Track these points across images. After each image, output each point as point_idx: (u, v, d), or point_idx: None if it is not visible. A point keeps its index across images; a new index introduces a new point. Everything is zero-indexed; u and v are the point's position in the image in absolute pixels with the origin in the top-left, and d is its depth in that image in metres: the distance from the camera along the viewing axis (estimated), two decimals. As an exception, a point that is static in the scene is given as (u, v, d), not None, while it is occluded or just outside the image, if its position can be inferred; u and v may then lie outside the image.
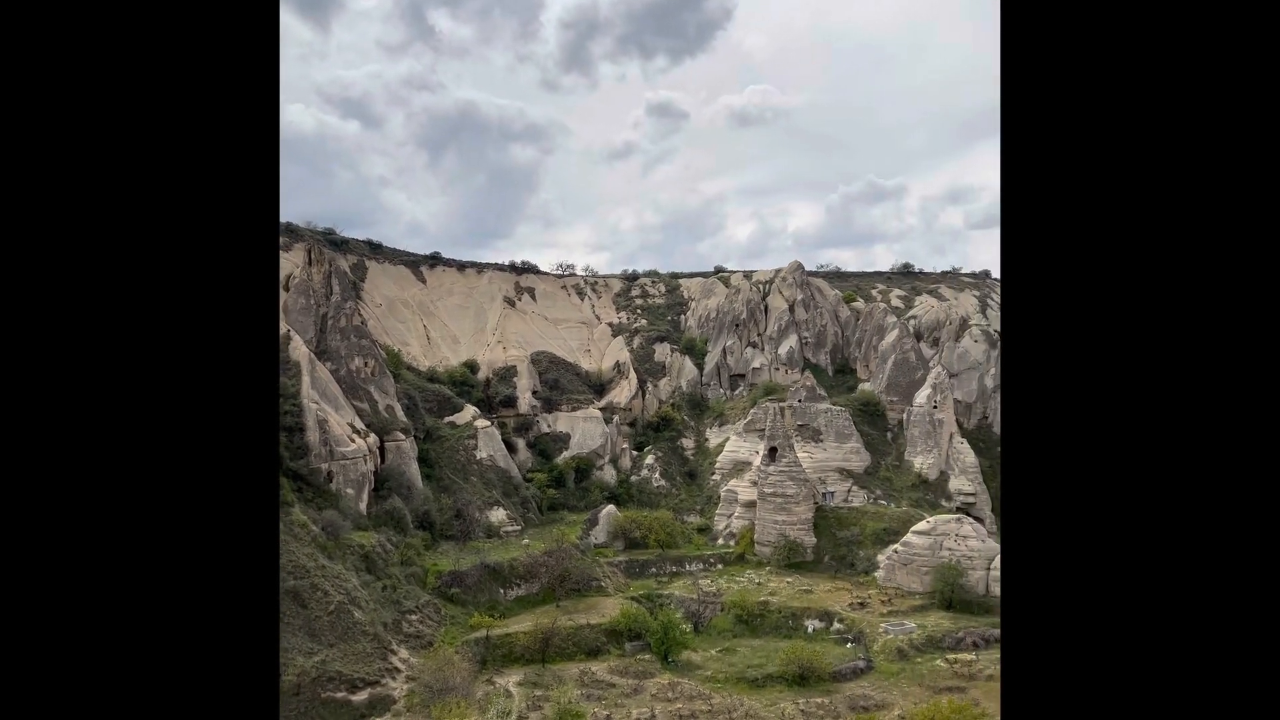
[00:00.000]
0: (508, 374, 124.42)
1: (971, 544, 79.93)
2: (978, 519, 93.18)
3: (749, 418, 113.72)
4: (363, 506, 79.26)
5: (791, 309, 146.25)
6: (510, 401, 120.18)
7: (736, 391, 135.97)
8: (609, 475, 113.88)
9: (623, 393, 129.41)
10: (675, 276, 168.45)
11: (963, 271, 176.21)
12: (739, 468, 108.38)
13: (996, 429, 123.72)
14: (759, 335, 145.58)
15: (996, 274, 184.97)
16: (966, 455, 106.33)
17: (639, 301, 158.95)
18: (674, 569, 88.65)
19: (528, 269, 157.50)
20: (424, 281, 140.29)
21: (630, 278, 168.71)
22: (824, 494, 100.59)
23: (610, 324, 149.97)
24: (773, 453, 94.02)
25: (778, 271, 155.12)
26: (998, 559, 79.05)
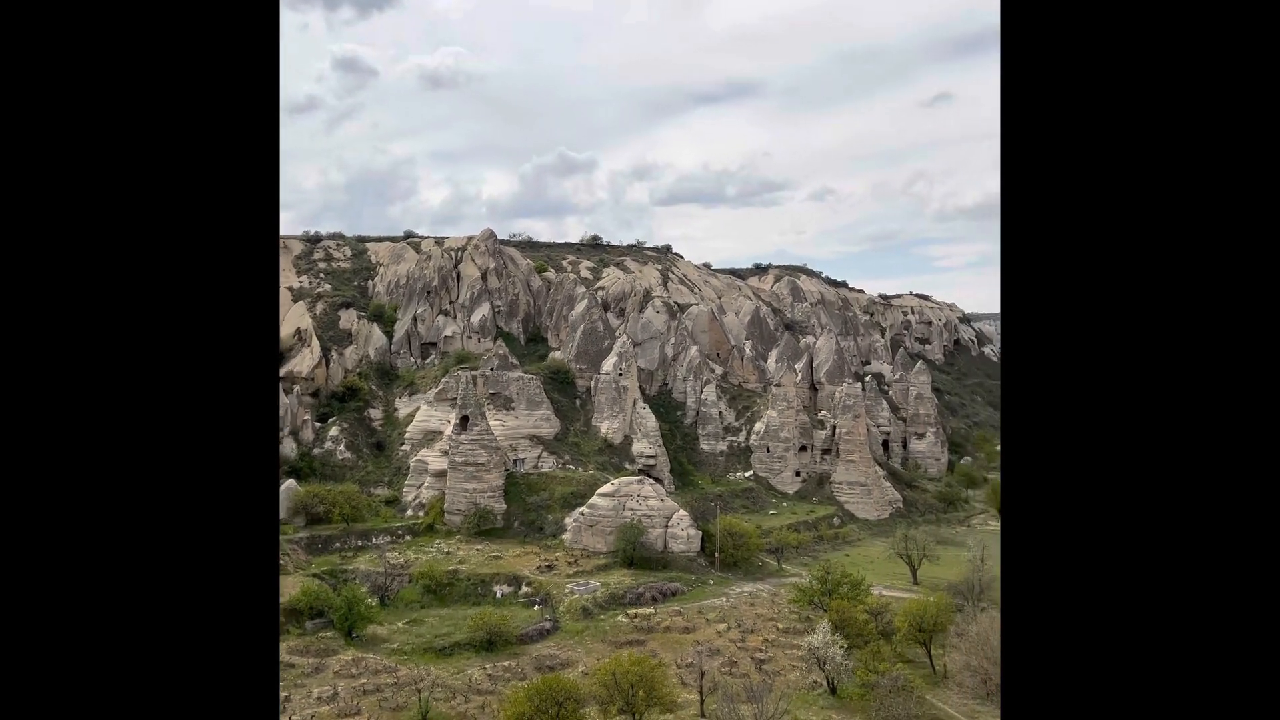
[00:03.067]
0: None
1: (652, 503, 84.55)
2: (657, 479, 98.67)
3: (440, 386, 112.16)
4: None
5: (484, 277, 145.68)
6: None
7: (428, 360, 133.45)
8: (289, 449, 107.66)
9: (304, 361, 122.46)
10: (362, 240, 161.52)
11: (647, 246, 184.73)
12: (430, 437, 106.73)
13: (675, 394, 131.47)
14: (451, 303, 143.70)
15: (678, 248, 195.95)
16: (648, 420, 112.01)
17: (322, 265, 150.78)
18: (360, 543, 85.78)
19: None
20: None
21: (313, 239, 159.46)
22: (515, 461, 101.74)
23: (290, 288, 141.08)
24: (464, 421, 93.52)
25: (470, 239, 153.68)
26: (675, 515, 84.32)
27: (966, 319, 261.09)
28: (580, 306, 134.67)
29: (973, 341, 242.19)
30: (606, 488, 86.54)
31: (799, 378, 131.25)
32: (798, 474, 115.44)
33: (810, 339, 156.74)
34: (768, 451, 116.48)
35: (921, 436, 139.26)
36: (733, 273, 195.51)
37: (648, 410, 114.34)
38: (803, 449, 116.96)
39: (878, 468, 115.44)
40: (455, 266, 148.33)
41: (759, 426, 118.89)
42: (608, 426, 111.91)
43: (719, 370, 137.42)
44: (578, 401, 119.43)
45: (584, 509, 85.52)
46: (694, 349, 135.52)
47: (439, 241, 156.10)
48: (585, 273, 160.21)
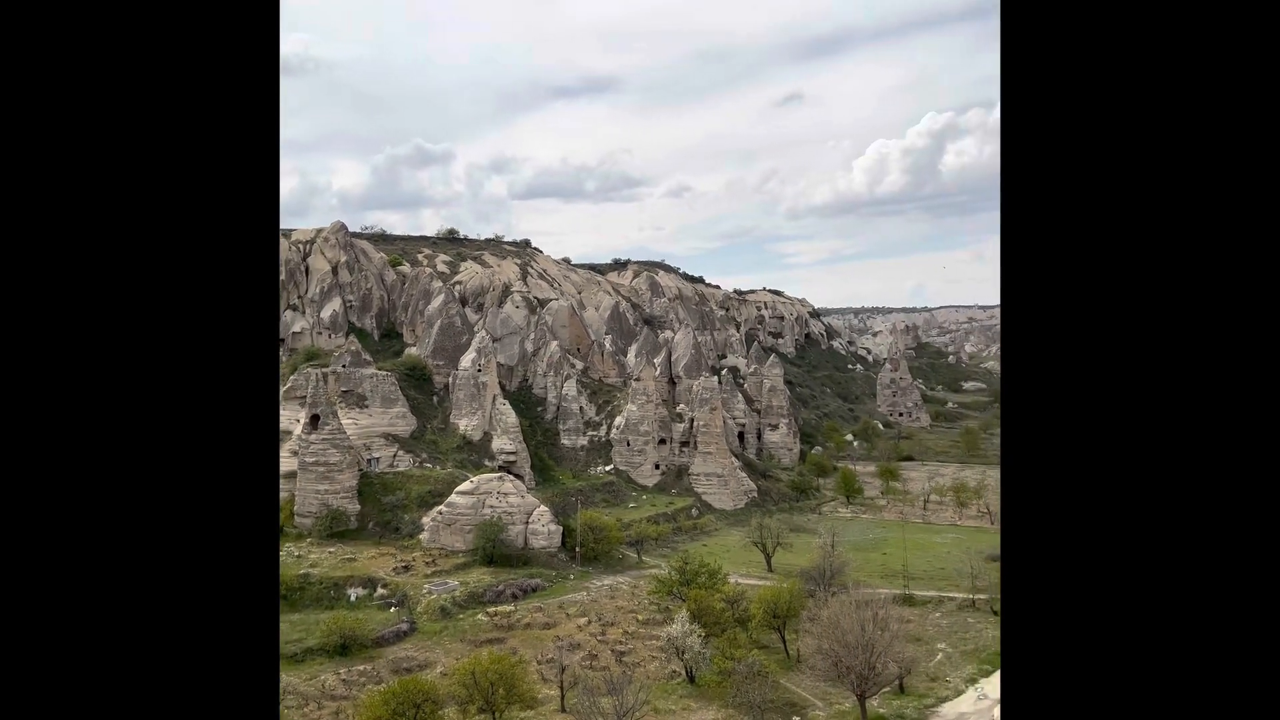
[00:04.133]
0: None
1: (512, 500, 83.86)
2: (518, 476, 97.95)
3: (289, 384, 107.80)
4: None
5: (335, 271, 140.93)
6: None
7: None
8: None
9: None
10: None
11: (506, 240, 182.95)
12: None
13: (536, 390, 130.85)
14: (300, 298, 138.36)
15: (537, 243, 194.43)
16: (508, 416, 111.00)
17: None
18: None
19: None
20: None
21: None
22: (369, 460, 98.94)
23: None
24: (315, 420, 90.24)
25: (319, 231, 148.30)
26: (536, 511, 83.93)
27: (817, 314, 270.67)
28: (437, 301, 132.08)
29: (823, 335, 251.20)
30: (465, 485, 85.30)
31: (658, 372, 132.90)
32: (657, 467, 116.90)
33: (669, 334, 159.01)
34: (628, 445, 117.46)
35: (775, 428, 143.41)
36: (592, 268, 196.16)
37: (507, 406, 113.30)
38: (662, 442, 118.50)
39: (734, 459, 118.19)
40: (304, 260, 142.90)
41: (619, 420, 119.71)
42: (466, 423, 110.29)
43: (579, 365, 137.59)
44: (435, 398, 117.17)
45: (442, 508, 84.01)
46: (554, 344, 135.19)
47: (286, 234, 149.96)
48: (442, 267, 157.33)
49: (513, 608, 68.01)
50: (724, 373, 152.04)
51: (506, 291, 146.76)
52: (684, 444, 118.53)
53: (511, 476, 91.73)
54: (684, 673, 54.07)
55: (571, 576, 77.61)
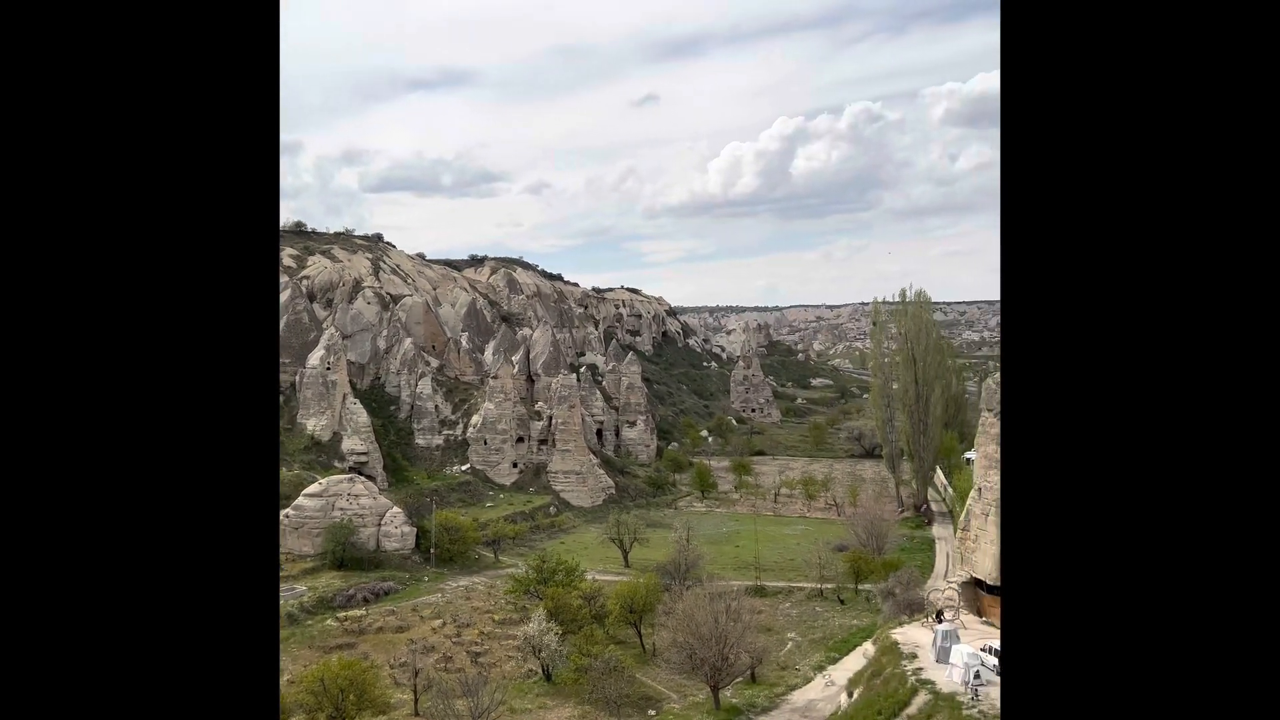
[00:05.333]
0: None
1: (363, 502, 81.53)
2: (370, 477, 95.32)
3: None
4: None
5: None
6: None
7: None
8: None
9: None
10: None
11: (356, 234, 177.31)
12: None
13: (389, 388, 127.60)
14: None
15: (390, 237, 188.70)
16: (359, 415, 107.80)
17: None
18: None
19: None
20: None
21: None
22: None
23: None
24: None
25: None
26: (389, 513, 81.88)
27: (673, 312, 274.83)
28: (283, 296, 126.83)
29: (679, 333, 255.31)
30: (314, 487, 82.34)
31: (516, 370, 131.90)
32: (515, 465, 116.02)
33: (527, 331, 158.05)
34: (485, 444, 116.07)
35: (633, 425, 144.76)
36: (448, 264, 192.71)
37: (359, 405, 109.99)
38: (520, 440, 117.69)
39: (592, 456, 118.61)
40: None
41: (476, 419, 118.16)
42: (315, 423, 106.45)
43: (435, 363, 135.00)
44: (281, 397, 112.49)
45: (289, 510, 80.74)
46: (408, 341, 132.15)
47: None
48: (288, 261, 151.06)
49: (364, 612, 66.15)
50: (582, 370, 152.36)
51: (357, 287, 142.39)
52: (542, 442, 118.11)
53: (363, 478, 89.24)
54: (541, 671, 53.91)
55: (426, 578, 76.13)
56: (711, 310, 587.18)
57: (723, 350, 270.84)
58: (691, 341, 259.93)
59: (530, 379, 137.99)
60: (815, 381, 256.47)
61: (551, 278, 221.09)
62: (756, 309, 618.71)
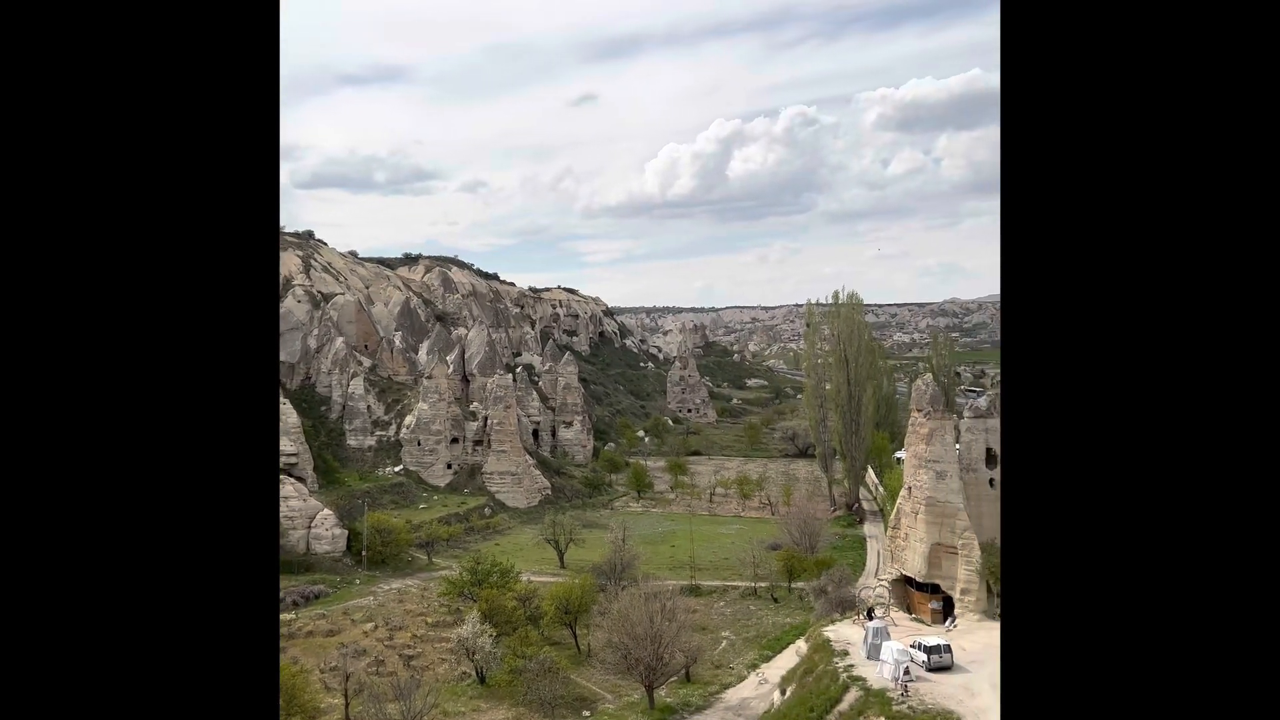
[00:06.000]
0: None
1: (293, 504, 79.92)
2: (299, 479, 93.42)
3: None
4: None
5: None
6: None
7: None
8: None
9: None
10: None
11: (286, 231, 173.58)
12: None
13: (320, 388, 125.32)
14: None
15: (322, 234, 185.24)
16: (289, 416, 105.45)
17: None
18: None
19: None
20: None
21: None
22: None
23: None
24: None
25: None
26: (319, 515, 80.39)
27: (610, 312, 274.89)
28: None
29: (616, 334, 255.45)
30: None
31: (451, 369, 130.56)
32: (450, 466, 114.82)
33: (462, 331, 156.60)
34: (419, 444, 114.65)
35: (569, 425, 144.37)
36: (382, 262, 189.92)
37: (288, 406, 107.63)
38: (454, 441, 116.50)
39: (528, 456, 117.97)
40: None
41: (410, 419, 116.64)
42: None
43: (367, 363, 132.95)
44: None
45: (215, 513, 78.81)
46: (340, 340, 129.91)
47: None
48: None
49: (293, 615, 64.82)
50: (519, 370, 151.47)
51: (287, 285, 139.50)
52: (477, 443, 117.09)
53: (292, 479, 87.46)
54: (475, 673, 53.44)
55: (358, 581, 74.89)
56: (648, 311, 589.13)
57: (659, 351, 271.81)
58: (628, 342, 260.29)
59: (465, 379, 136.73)
60: (750, 382, 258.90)
61: (487, 277, 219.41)
62: (693, 310, 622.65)
